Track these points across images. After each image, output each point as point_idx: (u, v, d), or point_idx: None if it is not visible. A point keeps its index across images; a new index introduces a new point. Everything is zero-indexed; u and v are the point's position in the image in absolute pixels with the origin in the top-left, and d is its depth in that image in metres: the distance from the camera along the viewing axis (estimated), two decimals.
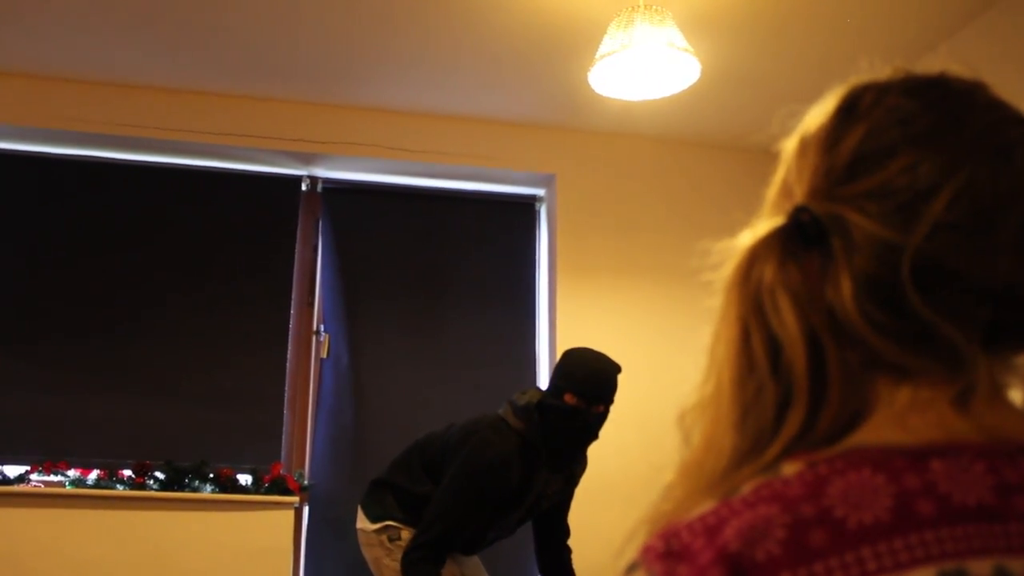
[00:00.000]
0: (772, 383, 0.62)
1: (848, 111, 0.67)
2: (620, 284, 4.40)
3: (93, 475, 3.77)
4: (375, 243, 4.39)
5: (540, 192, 4.65)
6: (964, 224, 0.61)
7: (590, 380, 2.76)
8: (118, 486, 3.74)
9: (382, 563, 2.88)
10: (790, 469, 0.59)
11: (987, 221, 0.61)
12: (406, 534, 2.84)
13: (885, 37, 3.60)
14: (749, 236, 0.66)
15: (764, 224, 0.66)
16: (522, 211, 4.65)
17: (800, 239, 0.64)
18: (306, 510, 4.03)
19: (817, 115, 0.70)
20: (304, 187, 4.43)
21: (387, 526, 2.88)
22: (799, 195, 0.67)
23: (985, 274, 0.61)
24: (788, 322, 0.61)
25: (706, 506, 0.59)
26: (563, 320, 4.29)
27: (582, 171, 4.50)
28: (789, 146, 0.71)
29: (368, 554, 2.94)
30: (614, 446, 4.02)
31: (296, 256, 4.33)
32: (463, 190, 4.58)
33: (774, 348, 0.62)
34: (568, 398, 2.75)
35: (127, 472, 3.80)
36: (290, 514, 3.85)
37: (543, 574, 3.07)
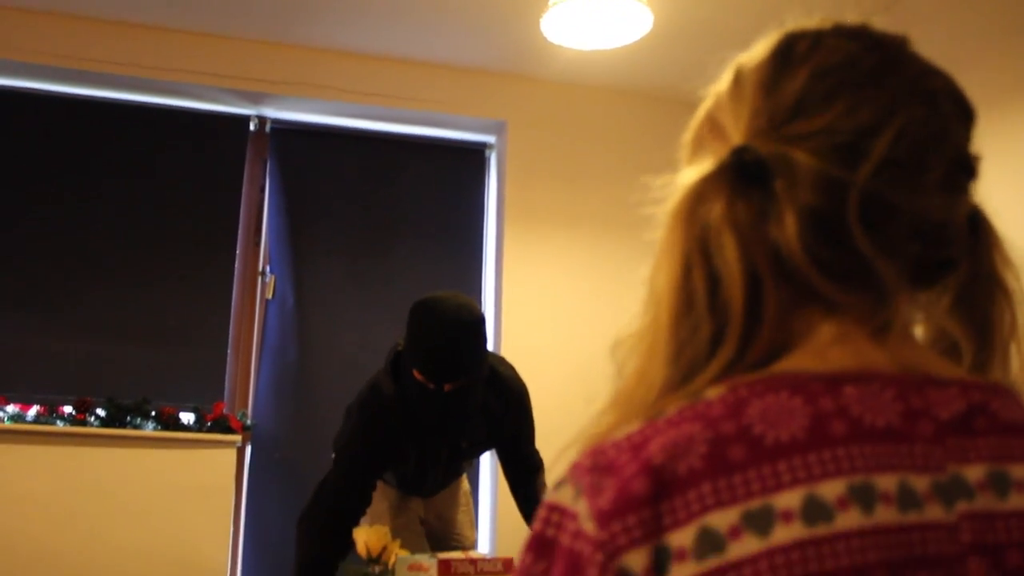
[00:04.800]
0: (709, 320, 0.63)
1: (785, 55, 0.70)
2: (567, 232, 4.43)
3: (33, 411, 3.74)
4: (323, 185, 4.37)
5: (491, 139, 4.65)
6: (903, 162, 0.64)
7: (430, 359, 2.27)
8: (58, 422, 3.72)
9: None
10: (713, 392, 0.62)
11: (921, 161, 0.64)
12: None
13: None
14: (693, 173, 0.67)
15: (706, 163, 0.67)
16: (472, 157, 4.64)
17: (743, 178, 0.65)
18: (248, 449, 4.04)
19: (752, 59, 0.72)
20: (252, 127, 4.38)
21: None
22: (737, 136, 0.69)
23: (919, 211, 0.64)
24: (731, 260, 0.63)
25: (632, 427, 0.62)
26: (509, 266, 4.32)
27: (533, 119, 4.50)
28: (721, 87, 0.73)
29: None
30: (556, 392, 4.08)
31: (243, 196, 4.29)
32: (414, 135, 4.56)
33: (714, 285, 0.64)
34: (416, 374, 2.30)
35: (68, 409, 3.78)
36: (232, 453, 3.86)
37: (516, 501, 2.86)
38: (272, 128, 4.39)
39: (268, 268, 4.27)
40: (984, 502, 0.59)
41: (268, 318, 4.22)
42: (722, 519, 0.56)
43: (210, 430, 3.85)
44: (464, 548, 2.92)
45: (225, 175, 4.28)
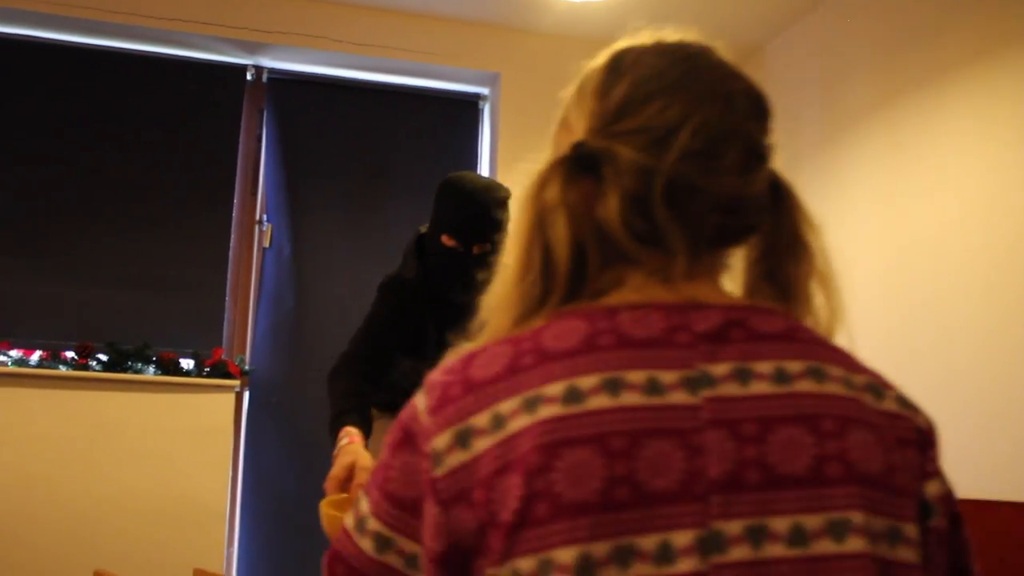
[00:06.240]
0: (541, 279, 0.82)
1: (614, 67, 0.87)
2: None
3: (36, 356, 3.82)
4: (319, 135, 4.41)
5: (484, 91, 4.70)
6: (702, 151, 0.81)
7: (466, 218, 2.33)
8: (61, 367, 3.79)
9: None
10: (535, 325, 0.82)
11: (717, 150, 0.81)
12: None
13: None
14: (540, 164, 0.85)
15: (551, 155, 0.86)
16: (466, 109, 4.69)
17: (578, 167, 0.83)
18: (247, 394, 4.14)
19: (591, 68, 0.90)
20: (249, 77, 4.42)
21: None
22: (579, 132, 0.87)
23: (716, 190, 0.81)
24: (560, 233, 0.81)
25: (469, 351, 0.83)
26: None
27: (527, 71, 4.54)
28: (568, 92, 0.91)
29: None
30: None
31: (240, 146, 4.34)
32: (409, 86, 4.61)
33: (548, 253, 0.82)
34: (445, 239, 2.36)
35: (70, 353, 3.86)
36: (231, 397, 3.95)
37: None
38: (269, 78, 4.43)
39: (265, 217, 4.33)
40: (726, 390, 0.76)
41: (265, 266, 4.30)
42: (508, 405, 0.75)
43: (209, 375, 3.94)
44: None
45: (222, 125, 4.32)
